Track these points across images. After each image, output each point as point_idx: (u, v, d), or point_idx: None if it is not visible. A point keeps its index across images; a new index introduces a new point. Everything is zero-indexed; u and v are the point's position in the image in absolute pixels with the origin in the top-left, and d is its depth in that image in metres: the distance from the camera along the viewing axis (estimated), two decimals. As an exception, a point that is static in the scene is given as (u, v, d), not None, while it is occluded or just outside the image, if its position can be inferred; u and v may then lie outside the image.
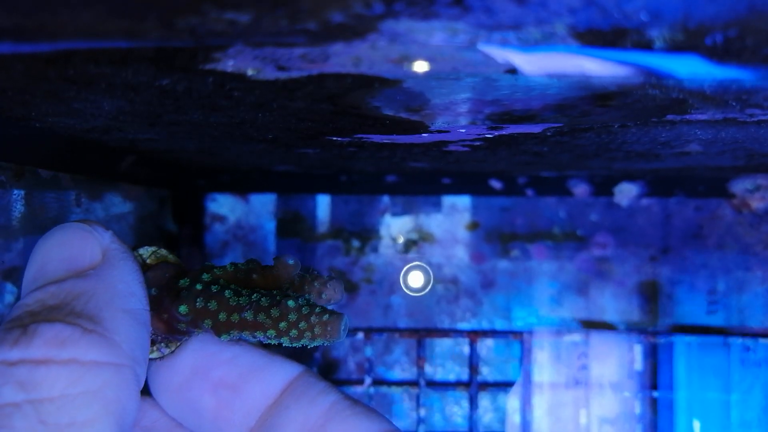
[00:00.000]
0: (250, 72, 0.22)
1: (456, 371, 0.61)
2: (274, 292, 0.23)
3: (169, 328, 0.24)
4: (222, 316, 0.22)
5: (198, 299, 0.23)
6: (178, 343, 0.24)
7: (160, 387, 0.25)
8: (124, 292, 0.21)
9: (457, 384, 0.60)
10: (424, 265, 0.61)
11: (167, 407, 0.25)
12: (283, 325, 0.22)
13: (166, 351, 0.24)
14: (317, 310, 0.22)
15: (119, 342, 0.20)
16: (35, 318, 0.20)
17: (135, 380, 0.20)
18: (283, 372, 0.25)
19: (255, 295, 0.23)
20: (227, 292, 0.23)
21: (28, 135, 0.35)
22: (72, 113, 0.30)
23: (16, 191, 0.37)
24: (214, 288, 0.23)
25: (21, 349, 0.19)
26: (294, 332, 0.22)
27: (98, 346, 0.20)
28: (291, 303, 0.22)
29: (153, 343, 0.24)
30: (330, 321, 0.22)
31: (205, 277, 0.23)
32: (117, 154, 0.45)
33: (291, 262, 0.23)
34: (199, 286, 0.23)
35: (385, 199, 0.61)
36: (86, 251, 0.22)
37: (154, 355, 0.24)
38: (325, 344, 0.22)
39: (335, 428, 0.23)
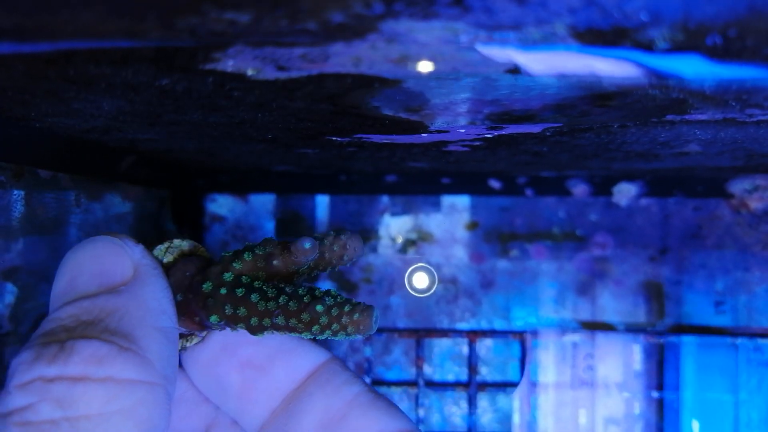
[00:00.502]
0: (249, 72, 0.22)
1: (455, 371, 0.61)
2: (300, 291, 0.23)
3: (202, 327, 0.24)
4: (254, 321, 0.22)
5: (226, 306, 0.22)
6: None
7: (189, 359, 0.25)
8: (156, 309, 0.22)
9: (456, 384, 0.60)
10: (429, 266, 0.61)
11: (195, 380, 0.25)
12: (316, 328, 0.22)
13: (204, 334, 0.24)
14: (346, 308, 0.22)
15: (152, 360, 0.20)
16: (71, 334, 0.20)
17: (166, 398, 0.21)
18: (310, 357, 0.25)
19: (282, 297, 0.22)
20: (254, 296, 0.22)
21: (27, 135, 0.35)
22: (72, 113, 0.30)
23: (15, 191, 0.37)
24: (239, 291, 0.22)
25: (59, 365, 0.19)
26: (328, 333, 0.22)
27: (133, 364, 0.20)
28: (319, 308, 0.22)
29: (189, 335, 0.24)
30: (361, 319, 0.22)
31: (227, 276, 0.23)
32: (117, 155, 0.45)
33: (308, 246, 0.23)
34: (223, 291, 0.23)
35: (385, 199, 0.61)
36: (118, 266, 0.22)
37: (195, 341, 0.24)
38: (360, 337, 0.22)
39: (355, 420, 0.23)
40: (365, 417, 0.24)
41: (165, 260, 0.24)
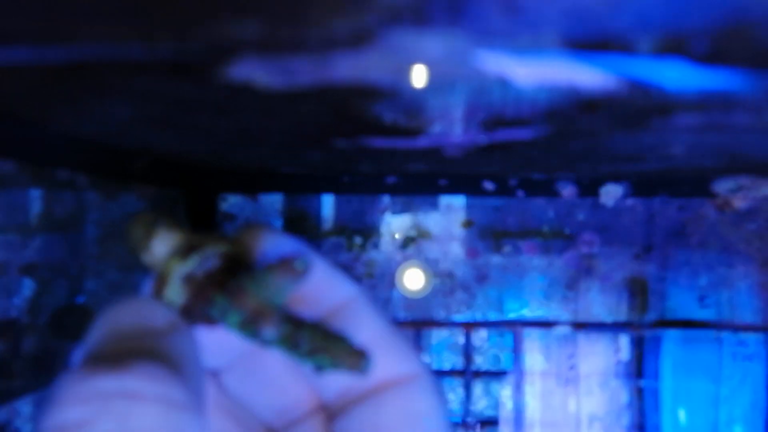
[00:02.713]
0: (258, 80, 0.22)
1: (452, 360, 0.61)
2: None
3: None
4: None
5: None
6: None
7: None
8: (191, 358, 0.22)
9: (452, 372, 0.60)
10: (421, 266, 0.61)
11: None
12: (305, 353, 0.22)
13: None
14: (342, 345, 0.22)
15: (195, 393, 0.20)
16: (122, 354, 0.19)
17: (203, 430, 0.21)
18: (337, 291, 0.25)
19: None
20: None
21: (46, 137, 0.35)
22: (88, 118, 0.30)
23: (33, 191, 0.37)
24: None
25: (117, 379, 0.19)
26: (321, 361, 0.22)
27: (183, 389, 0.20)
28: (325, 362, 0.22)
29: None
30: (353, 361, 0.22)
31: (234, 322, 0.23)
32: (131, 156, 0.45)
33: (271, 338, 0.22)
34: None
35: (386, 198, 0.61)
36: (156, 318, 0.22)
37: None
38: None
39: None
40: (379, 358, 0.23)
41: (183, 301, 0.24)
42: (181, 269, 0.24)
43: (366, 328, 0.25)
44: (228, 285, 0.23)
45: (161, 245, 0.25)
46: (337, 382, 0.24)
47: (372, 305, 0.26)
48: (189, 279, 0.24)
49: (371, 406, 0.24)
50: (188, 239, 0.24)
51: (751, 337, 0.57)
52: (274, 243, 0.25)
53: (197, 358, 0.23)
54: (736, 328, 0.57)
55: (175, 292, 0.24)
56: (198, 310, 0.24)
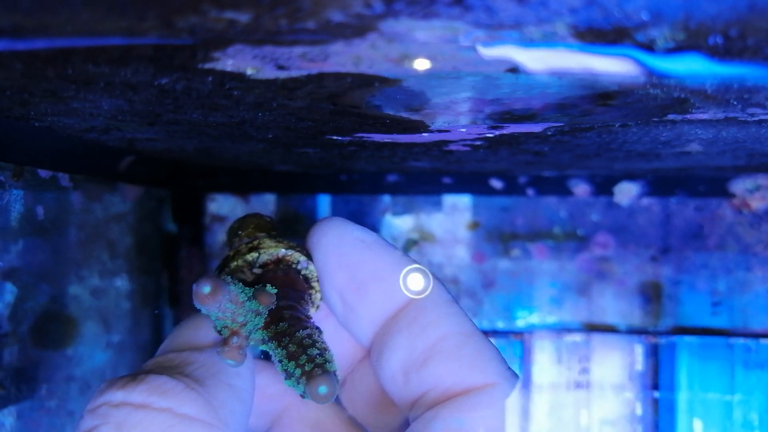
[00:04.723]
0: (249, 71, 0.22)
1: (456, 371, 0.61)
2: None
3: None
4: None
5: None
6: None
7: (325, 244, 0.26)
8: (231, 371, 0.23)
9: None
10: (424, 268, 0.61)
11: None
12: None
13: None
14: (307, 367, 0.22)
15: (216, 406, 0.21)
16: (147, 371, 0.21)
17: None
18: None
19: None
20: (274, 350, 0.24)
21: (27, 135, 0.35)
22: (71, 113, 0.30)
23: (15, 191, 0.37)
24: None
25: (125, 392, 0.20)
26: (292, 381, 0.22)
27: (194, 402, 0.21)
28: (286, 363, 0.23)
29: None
30: (311, 383, 0.21)
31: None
32: (116, 154, 0.45)
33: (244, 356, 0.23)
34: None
35: (386, 198, 0.61)
36: (209, 333, 0.23)
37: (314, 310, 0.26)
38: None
39: (433, 368, 0.23)
40: (443, 366, 0.23)
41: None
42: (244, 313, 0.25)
43: (429, 331, 0.25)
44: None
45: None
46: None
47: (447, 304, 0.25)
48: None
49: (428, 420, 0.23)
50: (228, 253, 0.26)
51: (762, 344, 0.57)
52: (340, 238, 0.26)
53: (233, 376, 0.24)
54: (749, 336, 0.57)
55: (216, 312, 0.24)
56: None
